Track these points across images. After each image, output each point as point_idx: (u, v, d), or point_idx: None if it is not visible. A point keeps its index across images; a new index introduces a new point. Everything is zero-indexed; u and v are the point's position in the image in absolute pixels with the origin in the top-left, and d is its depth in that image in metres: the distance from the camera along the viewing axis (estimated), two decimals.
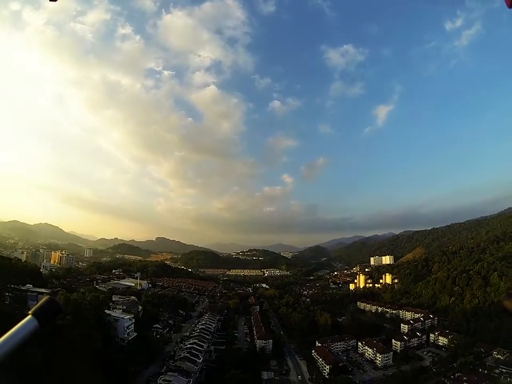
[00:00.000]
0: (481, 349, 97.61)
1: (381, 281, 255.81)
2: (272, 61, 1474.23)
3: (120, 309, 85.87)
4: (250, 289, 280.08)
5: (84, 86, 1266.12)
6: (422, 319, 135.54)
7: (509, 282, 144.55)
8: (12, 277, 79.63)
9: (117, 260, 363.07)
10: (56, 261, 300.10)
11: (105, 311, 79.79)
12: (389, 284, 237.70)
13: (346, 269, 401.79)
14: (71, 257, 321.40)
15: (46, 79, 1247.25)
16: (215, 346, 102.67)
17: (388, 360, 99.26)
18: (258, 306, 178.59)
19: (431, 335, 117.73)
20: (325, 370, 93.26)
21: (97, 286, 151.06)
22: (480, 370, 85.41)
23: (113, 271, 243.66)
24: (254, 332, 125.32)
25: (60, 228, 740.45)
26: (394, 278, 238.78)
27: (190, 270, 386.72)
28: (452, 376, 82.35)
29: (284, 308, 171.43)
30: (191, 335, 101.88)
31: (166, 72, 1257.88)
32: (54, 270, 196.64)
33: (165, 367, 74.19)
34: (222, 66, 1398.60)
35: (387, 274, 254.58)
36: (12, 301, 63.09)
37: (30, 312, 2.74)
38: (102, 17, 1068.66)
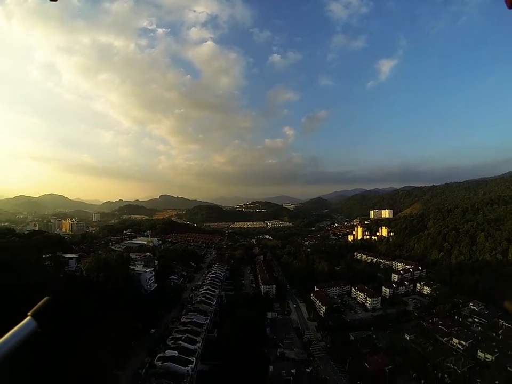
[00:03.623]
0: (460, 300, 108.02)
1: (377, 233, 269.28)
2: (271, 13, 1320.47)
3: (140, 264, 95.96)
4: (254, 240, 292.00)
5: (74, 51, 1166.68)
6: (411, 270, 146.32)
7: (493, 243, 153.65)
8: (49, 247, 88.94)
9: (125, 221, 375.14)
10: (68, 229, 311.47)
11: (130, 266, 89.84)
12: (385, 237, 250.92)
13: (346, 221, 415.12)
14: (81, 223, 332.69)
15: (34, 49, 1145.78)
16: (225, 292, 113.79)
17: (376, 304, 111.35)
18: (262, 256, 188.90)
19: (418, 284, 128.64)
20: (321, 311, 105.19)
21: (112, 247, 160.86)
22: (455, 317, 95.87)
23: (124, 232, 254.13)
24: (259, 278, 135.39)
25: (65, 196, 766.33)
26: (391, 231, 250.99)
27: (195, 224, 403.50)
28: (430, 320, 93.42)
29: (286, 257, 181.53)
30: (203, 283, 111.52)
31: (160, 30, 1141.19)
32: (67, 237, 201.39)
33: (184, 310, 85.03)
34: (218, 21, 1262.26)
35: (384, 227, 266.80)
36: (53, 266, 71.76)
37: (29, 313, 2.76)
38: None
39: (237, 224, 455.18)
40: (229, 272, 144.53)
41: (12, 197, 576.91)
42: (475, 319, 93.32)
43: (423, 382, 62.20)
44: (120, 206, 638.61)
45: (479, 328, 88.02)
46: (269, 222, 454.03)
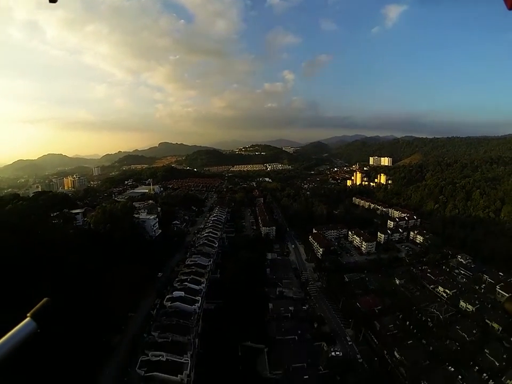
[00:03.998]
0: (449, 251, 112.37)
1: (376, 180, 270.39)
2: None
3: (144, 212, 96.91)
4: (254, 183, 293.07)
5: (56, 6, 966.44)
6: (406, 218, 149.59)
7: (488, 202, 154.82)
8: (56, 205, 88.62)
9: (125, 172, 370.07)
10: (70, 186, 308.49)
11: (134, 215, 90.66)
12: (383, 184, 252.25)
13: (346, 166, 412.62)
14: (82, 179, 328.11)
15: (12, 9, 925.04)
16: (226, 234, 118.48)
17: (371, 248, 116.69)
18: (262, 199, 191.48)
19: (411, 233, 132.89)
20: (318, 252, 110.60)
21: (116, 198, 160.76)
22: (443, 267, 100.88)
23: (126, 182, 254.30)
24: (259, 220, 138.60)
25: (63, 154, 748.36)
26: (389, 179, 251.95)
27: (195, 170, 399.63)
28: (419, 268, 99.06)
29: (285, 199, 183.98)
30: (205, 227, 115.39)
31: None
32: (71, 194, 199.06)
33: (188, 253, 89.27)
34: None
35: (382, 174, 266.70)
36: (62, 223, 72.01)
37: (28, 314, 2.73)
38: None
39: (236, 168, 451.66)
40: (230, 215, 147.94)
41: (11, 162, 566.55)
42: (461, 271, 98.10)
43: (408, 323, 68.91)
44: (119, 157, 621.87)
45: (464, 279, 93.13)
46: (269, 165, 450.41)
